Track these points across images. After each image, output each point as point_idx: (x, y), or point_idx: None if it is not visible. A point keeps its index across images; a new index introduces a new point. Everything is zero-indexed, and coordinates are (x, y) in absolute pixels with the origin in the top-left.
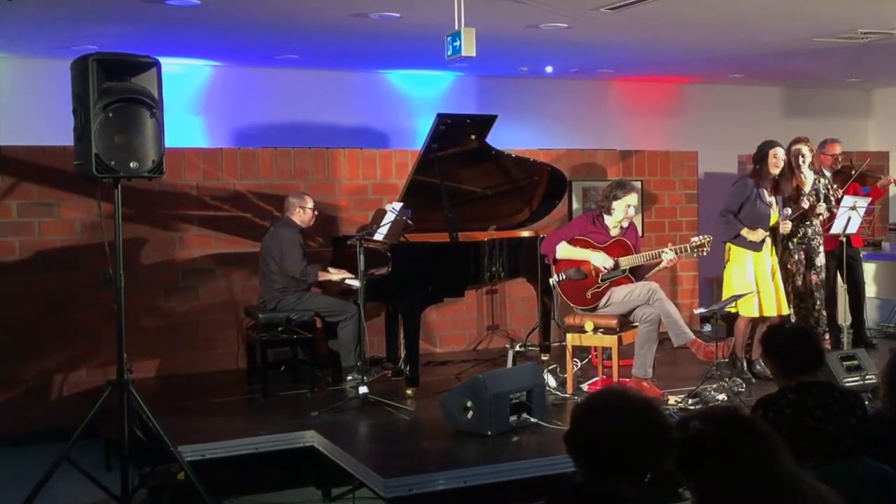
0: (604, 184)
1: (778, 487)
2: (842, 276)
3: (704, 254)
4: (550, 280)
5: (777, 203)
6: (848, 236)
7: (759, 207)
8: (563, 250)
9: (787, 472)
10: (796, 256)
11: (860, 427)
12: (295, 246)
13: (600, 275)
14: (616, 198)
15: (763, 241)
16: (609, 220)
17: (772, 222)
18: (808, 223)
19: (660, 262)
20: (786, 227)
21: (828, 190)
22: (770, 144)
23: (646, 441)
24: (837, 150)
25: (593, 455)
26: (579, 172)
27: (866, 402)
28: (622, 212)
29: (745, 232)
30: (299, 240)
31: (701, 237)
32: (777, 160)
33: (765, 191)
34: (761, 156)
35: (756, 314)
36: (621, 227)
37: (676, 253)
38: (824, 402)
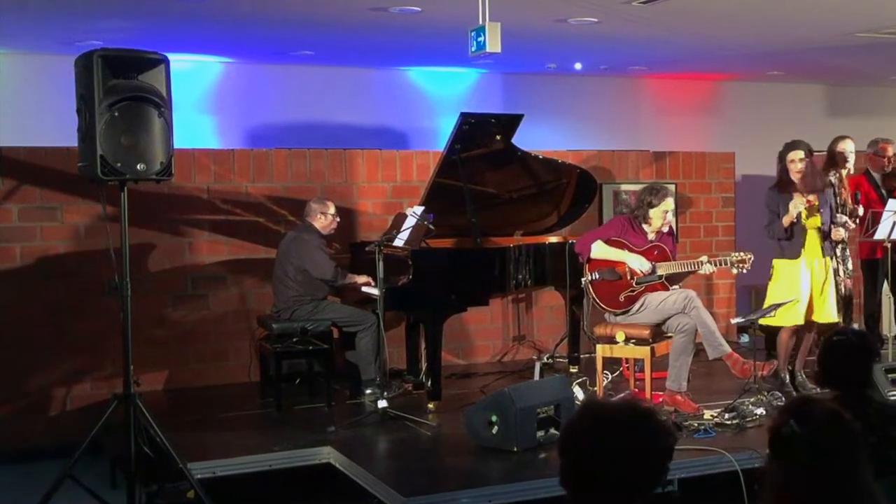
0: (636, 186)
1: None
2: (889, 283)
3: (745, 271)
4: (583, 279)
5: (818, 205)
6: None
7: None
8: (599, 249)
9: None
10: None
11: None
12: (321, 249)
13: (636, 278)
14: (651, 205)
15: (798, 209)
16: (647, 227)
17: (810, 224)
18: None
19: (696, 271)
20: (837, 233)
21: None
22: (788, 148)
23: (640, 457)
24: (890, 151)
25: (587, 484)
26: (610, 175)
27: None
28: (660, 219)
29: (785, 219)
30: (323, 244)
31: (742, 253)
32: (795, 165)
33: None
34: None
35: (800, 322)
36: (660, 232)
37: (715, 266)
38: (863, 412)
